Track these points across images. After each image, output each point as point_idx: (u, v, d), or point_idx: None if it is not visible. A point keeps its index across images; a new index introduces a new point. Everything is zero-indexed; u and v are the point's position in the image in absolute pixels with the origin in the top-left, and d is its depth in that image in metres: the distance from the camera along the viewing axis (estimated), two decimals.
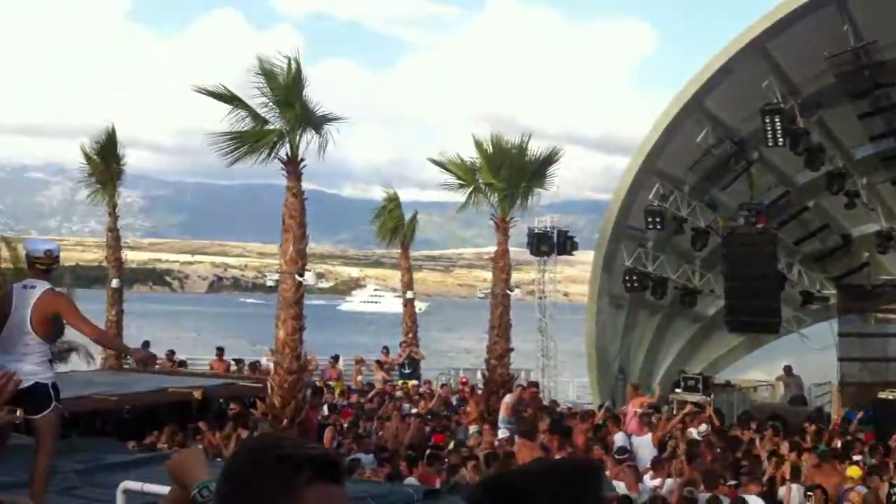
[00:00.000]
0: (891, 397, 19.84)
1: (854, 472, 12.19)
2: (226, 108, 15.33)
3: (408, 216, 27.07)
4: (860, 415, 18.45)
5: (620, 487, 11.15)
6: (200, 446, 12.57)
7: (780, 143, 18.76)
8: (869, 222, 23.93)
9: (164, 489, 5.08)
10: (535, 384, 20.11)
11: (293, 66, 15.08)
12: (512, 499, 1.58)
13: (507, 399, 17.30)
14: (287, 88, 15.00)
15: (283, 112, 15.10)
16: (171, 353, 23.30)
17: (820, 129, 20.13)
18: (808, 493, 10.14)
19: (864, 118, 19.60)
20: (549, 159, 19.50)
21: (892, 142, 20.78)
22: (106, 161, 21.24)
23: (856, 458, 13.66)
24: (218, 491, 1.61)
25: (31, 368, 6.84)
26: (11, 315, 6.88)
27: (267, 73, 15.10)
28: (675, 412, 18.28)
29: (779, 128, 18.46)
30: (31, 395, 6.81)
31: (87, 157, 21.52)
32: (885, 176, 22.25)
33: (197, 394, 15.43)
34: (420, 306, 30.05)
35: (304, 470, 1.51)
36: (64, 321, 7.05)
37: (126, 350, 7.75)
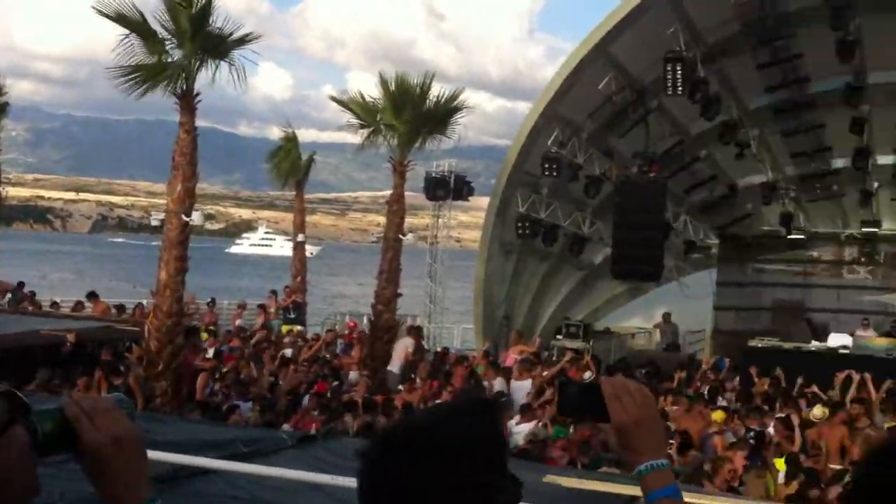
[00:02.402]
0: (760, 345, 20.56)
1: (718, 416, 12.54)
2: (121, 34, 14.20)
3: (305, 157, 26.47)
4: (728, 362, 18.98)
5: None
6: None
7: (680, 92, 18.69)
8: (755, 173, 24.49)
9: None
10: (419, 329, 19.99)
11: None
12: (404, 451, 1.51)
13: (407, 343, 17.19)
14: (193, 18, 14.13)
15: (184, 42, 14.26)
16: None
17: (719, 79, 20.27)
18: (670, 438, 10.28)
19: (762, 68, 19.81)
20: (453, 105, 18.73)
21: (785, 93, 21.06)
22: None
23: (721, 403, 14.11)
24: None
25: None
26: None
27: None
28: (556, 359, 18.48)
29: (679, 76, 18.36)
30: None
31: None
32: (776, 128, 22.65)
33: (70, 337, 14.82)
34: (311, 250, 29.56)
35: None
36: None
37: None
